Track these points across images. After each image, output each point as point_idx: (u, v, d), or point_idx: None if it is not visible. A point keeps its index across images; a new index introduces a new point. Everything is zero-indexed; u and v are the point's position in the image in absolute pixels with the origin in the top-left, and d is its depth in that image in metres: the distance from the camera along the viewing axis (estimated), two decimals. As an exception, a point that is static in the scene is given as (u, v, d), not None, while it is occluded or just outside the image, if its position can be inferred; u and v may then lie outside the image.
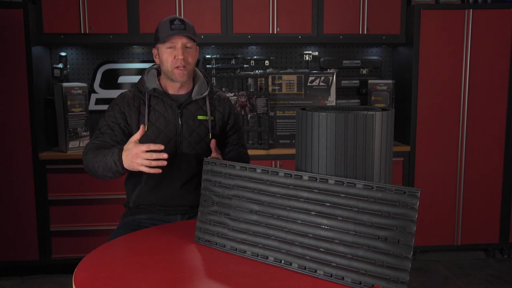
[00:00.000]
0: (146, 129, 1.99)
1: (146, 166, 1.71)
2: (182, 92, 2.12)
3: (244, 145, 2.29)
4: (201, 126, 2.10)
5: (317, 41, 3.70)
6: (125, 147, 1.77)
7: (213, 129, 2.13)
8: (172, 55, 2.01)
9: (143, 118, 2.05)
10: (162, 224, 2.02)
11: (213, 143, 2.02)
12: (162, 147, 1.71)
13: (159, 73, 2.15)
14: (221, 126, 2.18)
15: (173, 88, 2.11)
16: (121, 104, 2.06)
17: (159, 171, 1.73)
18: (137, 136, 1.76)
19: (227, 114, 2.20)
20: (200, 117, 2.10)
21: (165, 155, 1.70)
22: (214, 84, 3.79)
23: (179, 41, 2.01)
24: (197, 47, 2.12)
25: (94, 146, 1.97)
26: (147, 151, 1.70)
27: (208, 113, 2.12)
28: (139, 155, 1.71)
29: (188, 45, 2.03)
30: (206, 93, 2.13)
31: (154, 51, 2.11)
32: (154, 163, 1.71)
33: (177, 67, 2.01)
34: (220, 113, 2.17)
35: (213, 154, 1.99)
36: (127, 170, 1.81)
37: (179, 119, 2.06)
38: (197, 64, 3.86)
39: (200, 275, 1.49)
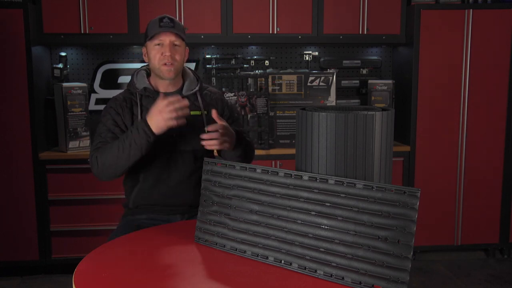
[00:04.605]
0: None
1: (173, 118, 1.84)
2: (172, 89, 2.12)
3: (245, 132, 2.24)
4: (195, 122, 2.09)
5: (317, 41, 3.70)
6: (149, 114, 1.87)
7: (208, 123, 2.09)
8: (160, 52, 2.02)
9: (136, 118, 2.05)
10: (162, 224, 2.02)
11: (214, 113, 1.94)
12: (184, 101, 1.86)
13: (148, 74, 2.16)
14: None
15: (163, 86, 2.11)
16: (115, 106, 2.07)
17: (183, 122, 1.87)
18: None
19: (220, 107, 2.18)
20: (193, 113, 2.09)
21: (186, 103, 1.87)
22: (214, 84, 3.79)
23: (167, 38, 2.02)
24: (187, 47, 2.12)
25: (100, 147, 1.98)
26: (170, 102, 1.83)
27: (201, 107, 2.12)
28: (164, 110, 1.83)
29: (176, 42, 2.04)
30: (197, 88, 2.13)
31: (144, 49, 2.12)
32: (175, 114, 1.83)
33: (165, 64, 2.02)
34: (213, 106, 2.14)
35: (219, 122, 1.92)
36: (156, 137, 1.89)
37: None
38: (197, 64, 3.90)
39: (200, 275, 1.49)
